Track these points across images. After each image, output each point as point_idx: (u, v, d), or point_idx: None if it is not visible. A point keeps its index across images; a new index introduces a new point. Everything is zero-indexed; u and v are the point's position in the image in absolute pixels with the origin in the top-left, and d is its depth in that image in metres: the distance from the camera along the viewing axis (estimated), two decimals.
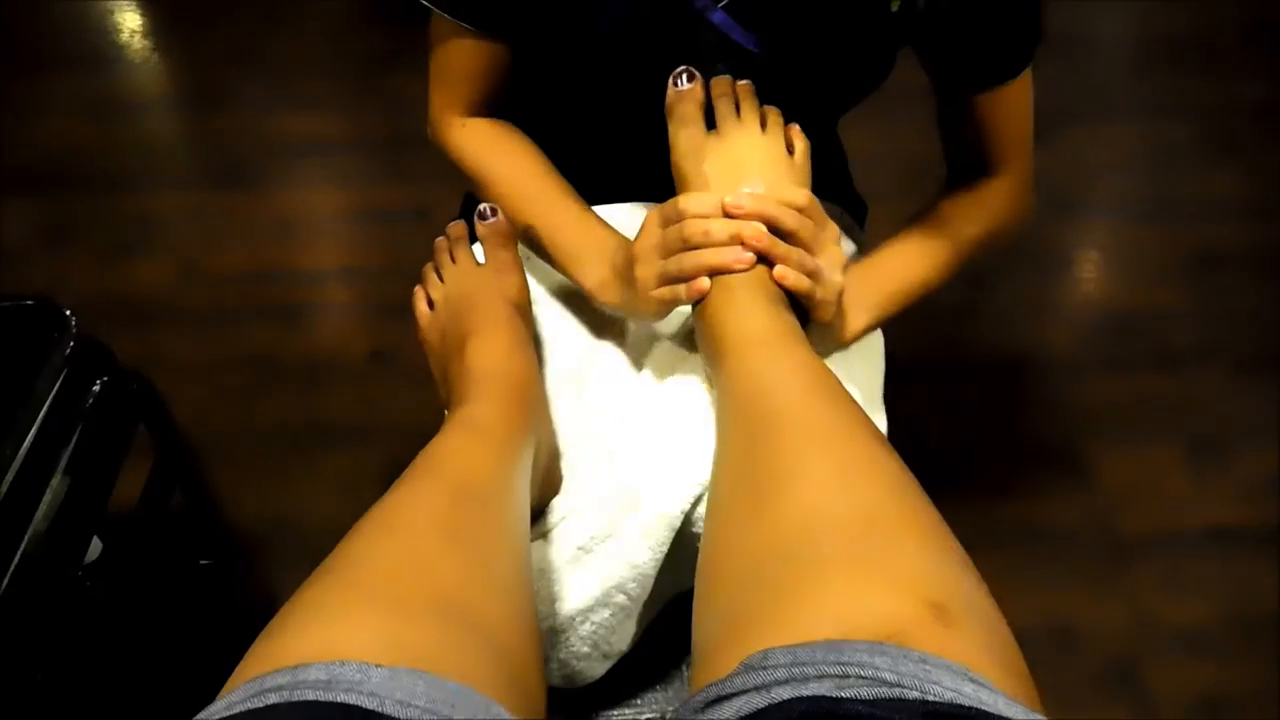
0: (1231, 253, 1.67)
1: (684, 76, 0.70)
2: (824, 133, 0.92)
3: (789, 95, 0.74)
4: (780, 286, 0.66)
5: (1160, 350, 1.54)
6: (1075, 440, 1.43)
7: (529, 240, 0.78)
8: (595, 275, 0.74)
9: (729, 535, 0.52)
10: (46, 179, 1.82)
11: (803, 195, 0.67)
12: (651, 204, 0.85)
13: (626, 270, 0.70)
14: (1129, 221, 1.78)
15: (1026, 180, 0.78)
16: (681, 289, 0.67)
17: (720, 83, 0.72)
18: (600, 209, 0.87)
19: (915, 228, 0.78)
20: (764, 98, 0.73)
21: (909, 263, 0.76)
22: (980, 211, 0.77)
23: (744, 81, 0.73)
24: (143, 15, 2.21)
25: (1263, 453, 1.40)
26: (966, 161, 0.79)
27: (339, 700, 0.38)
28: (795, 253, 0.66)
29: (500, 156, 0.80)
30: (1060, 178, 1.79)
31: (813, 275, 0.66)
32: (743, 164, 0.70)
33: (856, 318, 0.73)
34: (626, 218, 0.87)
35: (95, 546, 0.92)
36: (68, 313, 0.85)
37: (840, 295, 0.68)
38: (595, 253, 0.74)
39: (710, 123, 0.72)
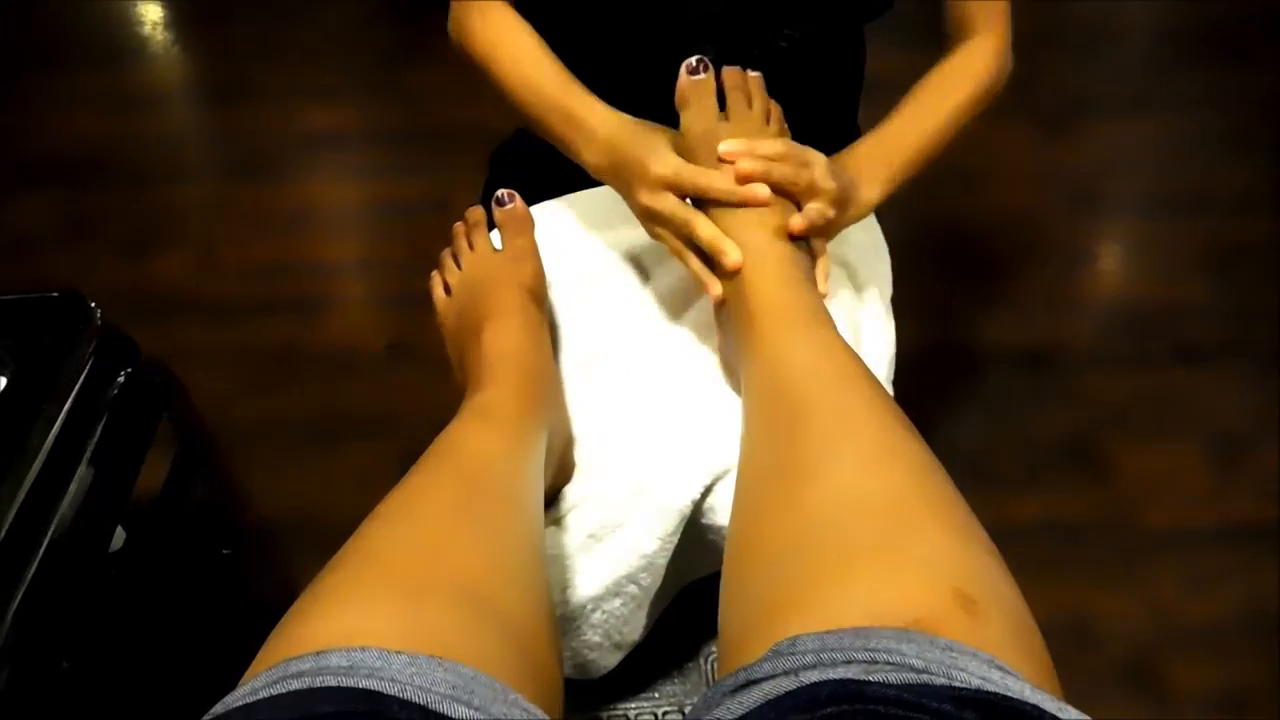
0: (1253, 247, 1.66)
1: (697, 66, 0.73)
2: (843, 110, 0.96)
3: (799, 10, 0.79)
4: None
5: (1180, 345, 1.53)
6: (1094, 435, 1.42)
7: (535, 126, 0.81)
8: (593, 159, 0.76)
9: (758, 522, 0.52)
10: (68, 172, 1.83)
11: (779, 144, 0.71)
12: None
13: (623, 158, 0.73)
14: (1149, 215, 1.76)
15: (1004, 41, 0.86)
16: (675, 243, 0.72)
17: (732, 73, 0.75)
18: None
19: (910, 101, 0.84)
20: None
21: (907, 136, 0.82)
22: (963, 77, 0.85)
23: (754, 74, 0.76)
24: (165, 8, 2.22)
25: None
26: (956, 32, 0.87)
27: (360, 686, 0.38)
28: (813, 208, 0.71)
29: (511, 40, 0.82)
30: (1080, 171, 1.78)
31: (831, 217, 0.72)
32: None
33: (870, 190, 0.78)
34: None
35: (119, 535, 0.93)
36: (93, 305, 0.86)
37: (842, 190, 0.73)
38: (596, 135, 0.76)
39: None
